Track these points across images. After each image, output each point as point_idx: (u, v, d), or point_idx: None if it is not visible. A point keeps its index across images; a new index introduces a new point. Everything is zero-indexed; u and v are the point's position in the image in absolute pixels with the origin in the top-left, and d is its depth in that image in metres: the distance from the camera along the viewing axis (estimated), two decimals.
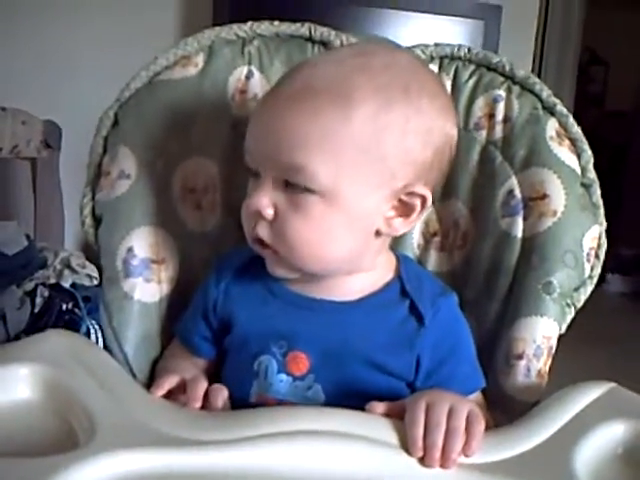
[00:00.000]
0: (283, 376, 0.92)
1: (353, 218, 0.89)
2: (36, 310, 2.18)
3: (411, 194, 0.90)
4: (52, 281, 2.24)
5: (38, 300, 2.19)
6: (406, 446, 0.77)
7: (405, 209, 0.91)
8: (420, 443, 0.76)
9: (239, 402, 0.90)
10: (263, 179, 0.88)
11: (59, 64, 3.02)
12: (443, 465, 0.75)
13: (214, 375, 0.98)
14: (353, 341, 0.92)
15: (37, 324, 2.10)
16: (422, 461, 0.75)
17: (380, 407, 0.83)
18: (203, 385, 0.88)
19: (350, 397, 0.88)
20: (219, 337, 0.98)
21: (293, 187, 0.86)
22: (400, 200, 0.91)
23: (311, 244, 0.88)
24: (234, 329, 0.96)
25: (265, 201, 0.87)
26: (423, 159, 0.89)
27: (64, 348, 0.89)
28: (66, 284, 2.25)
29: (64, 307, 2.17)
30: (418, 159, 0.89)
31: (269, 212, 0.87)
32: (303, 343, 0.92)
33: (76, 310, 2.18)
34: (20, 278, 2.23)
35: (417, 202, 0.91)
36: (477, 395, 0.97)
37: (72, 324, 2.12)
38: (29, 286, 2.22)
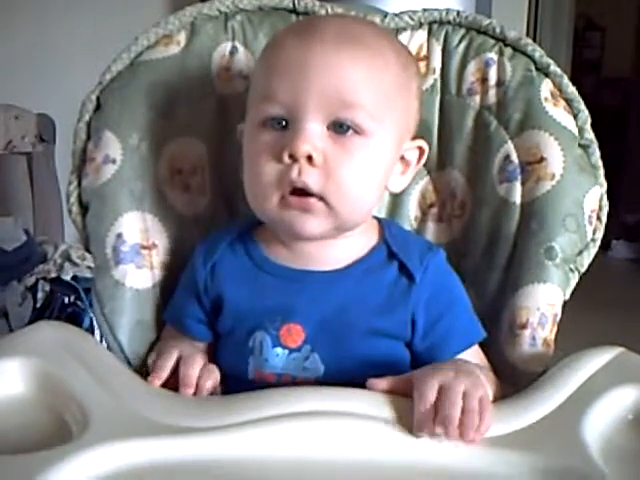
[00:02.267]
0: (279, 350, 0.91)
1: (386, 166, 0.92)
2: (38, 305, 2.18)
3: (410, 149, 0.96)
4: (53, 275, 2.24)
5: (40, 295, 2.19)
6: (410, 422, 0.75)
7: (403, 165, 0.96)
8: (427, 419, 0.74)
9: (238, 381, 0.89)
10: (303, 125, 0.86)
11: (50, 57, 3.01)
12: (462, 437, 0.74)
13: (212, 358, 0.96)
14: (347, 308, 0.91)
15: (40, 319, 2.09)
16: (440, 433, 0.74)
17: (382, 383, 0.82)
18: (197, 365, 0.87)
19: (349, 363, 0.89)
20: (212, 319, 0.97)
21: (340, 130, 0.86)
22: (402, 156, 0.95)
23: (362, 188, 0.89)
24: (225, 309, 0.94)
25: (314, 144, 0.85)
26: (419, 116, 0.98)
27: (55, 340, 0.88)
28: (67, 277, 2.24)
29: (66, 300, 2.17)
30: (417, 115, 0.97)
31: (320, 156, 0.85)
32: (297, 315, 0.91)
33: (78, 302, 2.17)
34: (21, 273, 2.23)
35: (415, 156, 0.97)
36: (477, 349, 0.96)
37: (75, 317, 2.12)
38: (30, 281, 2.21)
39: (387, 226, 0.99)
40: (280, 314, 0.91)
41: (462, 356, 0.92)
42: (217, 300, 0.95)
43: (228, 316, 0.94)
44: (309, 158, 0.85)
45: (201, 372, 0.86)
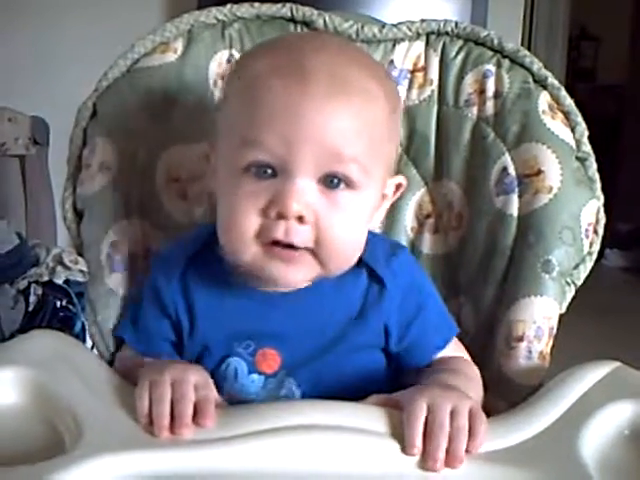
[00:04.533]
0: (255, 376, 0.89)
1: (371, 210, 0.89)
2: (30, 308, 2.16)
3: (390, 184, 0.94)
4: (45, 278, 2.23)
5: (32, 298, 2.18)
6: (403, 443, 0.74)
7: (381, 199, 0.92)
8: (417, 442, 0.73)
9: None
10: (294, 180, 0.81)
11: (45, 60, 3.00)
12: (450, 465, 0.72)
13: None
14: (321, 325, 0.90)
15: (32, 322, 2.09)
16: (425, 462, 0.73)
17: (370, 402, 0.81)
18: (190, 401, 0.76)
19: (326, 382, 0.88)
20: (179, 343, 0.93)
21: (331, 185, 0.82)
22: (383, 192, 0.92)
23: (352, 240, 0.86)
24: (194, 332, 0.91)
25: (306, 203, 0.81)
26: (398, 152, 0.98)
27: (49, 348, 0.87)
28: (59, 281, 2.23)
29: (58, 304, 2.16)
30: (396, 152, 0.96)
31: (311, 215, 0.81)
32: (270, 339, 0.89)
33: (70, 307, 2.17)
34: (13, 277, 2.22)
35: (391, 191, 0.94)
36: (456, 342, 0.96)
37: (67, 321, 2.11)
38: (22, 284, 2.20)
39: None
40: (253, 339, 0.89)
41: (442, 354, 0.93)
42: (185, 320, 0.92)
43: (197, 342, 0.91)
44: (299, 218, 0.81)
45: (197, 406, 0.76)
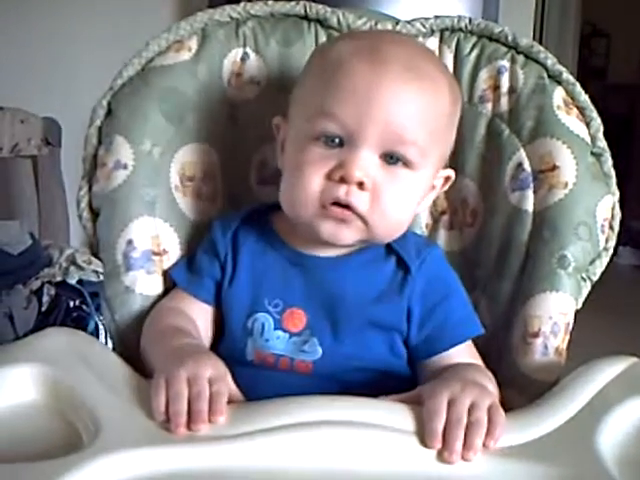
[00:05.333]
0: (280, 332, 0.94)
1: (424, 194, 0.96)
2: (43, 308, 2.17)
3: (440, 175, 0.99)
4: (58, 279, 2.23)
5: (45, 298, 2.19)
6: (422, 431, 0.75)
7: (430, 189, 0.98)
8: (439, 436, 0.74)
9: (236, 361, 0.89)
10: (359, 151, 0.88)
11: (55, 60, 3.01)
12: (464, 457, 0.73)
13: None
14: (345, 296, 0.94)
15: (45, 322, 2.09)
16: (441, 454, 0.73)
17: (392, 400, 0.82)
18: (205, 397, 0.76)
19: (346, 349, 0.93)
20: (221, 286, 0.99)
21: (391, 161, 0.89)
22: (432, 182, 0.97)
23: (402, 215, 0.92)
24: (232, 283, 0.97)
25: (367, 172, 0.88)
26: (452, 144, 1.00)
27: (64, 346, 0.87)
28: (72, 281, 2.24)
29: (71, 304, 2.17)
30: (452, 144, 0.99)
31: (370, 183, 0.88)
32: (298, 300, 0.94)
33: (84, 306, 2.17)
34: (26, 277, 2.22)
35: (440, 183, 1.00)
36: (469, 346, 0.96)
37: (80, 321, 2.12)
38: (35, 285, 2.21)
39: None
40: (281, 298, 0.94)
41: (454, 351, 0.94)
42: (230, 268, 0.98)
43: (233, 292, 0.96)
44: (360, 184, 0.87)
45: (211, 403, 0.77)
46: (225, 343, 0.96)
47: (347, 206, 0.88)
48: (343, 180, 0.87)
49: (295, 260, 0.96)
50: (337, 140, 0.89)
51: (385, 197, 0.89)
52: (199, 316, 0.98)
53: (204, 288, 0.98)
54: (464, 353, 0.94)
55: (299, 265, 0.96)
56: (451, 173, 1.00)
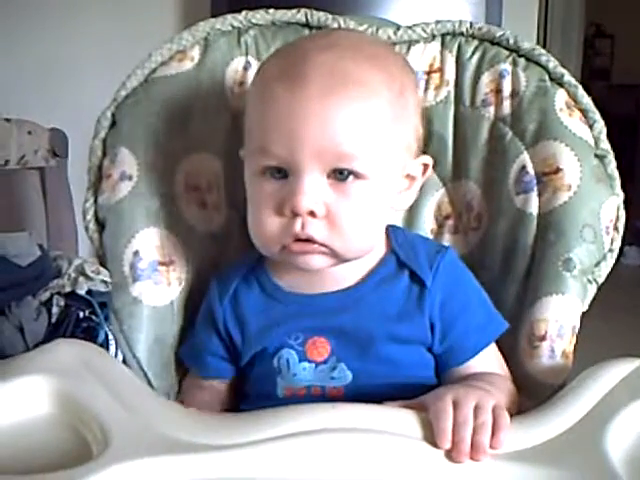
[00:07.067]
0: (305, 364, 0.92)
1: (387, 196, 0.92)
2: (53, 320, 2.16)
3: (415, 165, 0.95)
4: (67, 289, 2.22)
5: (54, 310, 2.17)
6: (431, 439, 0.74)
7: (409, 180, 0.96)
8: (449, 435, 0.74)
9: (269, 403, 0.87)
10: (302, 178, 0.85)
11: (61, 71, 3.02)
12: (473, 457, 0.73)
13: (235, 394, 0.99)
14: (364, 318, 0.92)
15: (55, 334, 2.08)
16: (450, 455, 0.73)
17: (394, 406, 0.81)
18: None
19: (376, 368, 0.91)
20: (233, 353, 0.98)
21: (341, 177, 0.86)
22: (407, 174, 0.94)
23: (366, 230, 0.90)
24: (246, 338, 0.96)
25: (315, 198, 0.85)
26: (421, 129, 0.97)
27: (75, 358, 0.87)
28: (82, 291, 2.22)
29: (81, 315, 2.15)
30: (420, 130, 0.96)
31: (322, 209, 0.86)
32: (319, 330, 0.93)
33: (93, 317, 2.16)
34: (35, 288, 2.21)
35: (419, 171, 0.96)
36: (494, 350, 0.96)
37: (90, 331, 2.11)
38: (45, 296, 2.20)
39: (393, 234, 0.99)
40: (301, 331, 0.93)
41: (479, 357, 0.93)
42: (236, 334, 0.97)
43: (250, 345, 0.95)
44: (311, 213, 0.85)
45: None
46: (254, 389, 0.97)
47: (308, 239, 0.86)
48: (294, 213, 0.85)
49: (306, 304, 0.95)
50: (282, 171, 0.87)
51: (341, 219, 0.86)
52: (213, 397, 0.99)
53: (210, 367, 0.99)
54: (488, 357, 0.94)
55: (312, 306, 0.94)
56: (428, 160, 0.97)
